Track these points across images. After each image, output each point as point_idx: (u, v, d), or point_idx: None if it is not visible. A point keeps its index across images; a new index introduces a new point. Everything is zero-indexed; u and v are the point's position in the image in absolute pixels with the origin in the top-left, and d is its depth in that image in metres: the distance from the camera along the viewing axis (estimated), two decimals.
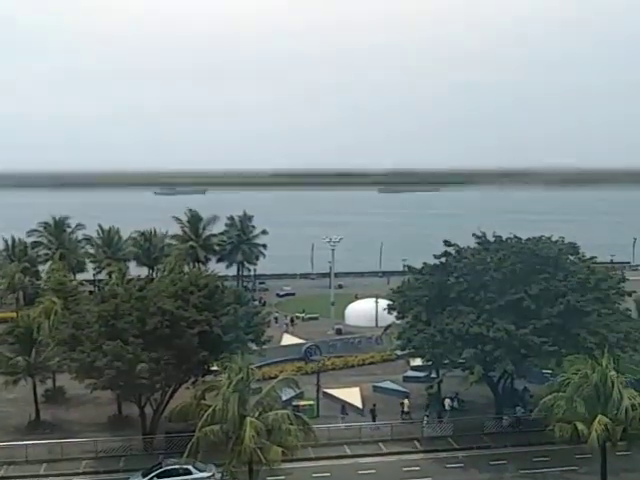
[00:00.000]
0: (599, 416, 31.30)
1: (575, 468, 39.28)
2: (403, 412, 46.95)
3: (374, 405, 47.09)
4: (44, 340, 46.56)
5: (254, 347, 47.19)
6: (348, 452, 42.39)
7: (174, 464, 37.97)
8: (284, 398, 37.05)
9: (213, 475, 37.49)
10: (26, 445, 41.35)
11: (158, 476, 37.13)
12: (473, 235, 50.83)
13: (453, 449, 42.95)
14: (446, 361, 45.63)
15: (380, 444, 43.32)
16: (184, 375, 42.92)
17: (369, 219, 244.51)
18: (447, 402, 47.56)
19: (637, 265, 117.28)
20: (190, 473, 37.28)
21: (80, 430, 45.35)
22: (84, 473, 39.82)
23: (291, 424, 30.24)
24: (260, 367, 48.32)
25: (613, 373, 32.66)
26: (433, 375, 49.05)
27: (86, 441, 42.37)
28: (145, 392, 42.16)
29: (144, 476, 37.39)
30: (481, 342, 42.91)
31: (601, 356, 34.80)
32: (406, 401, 47.46)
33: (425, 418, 45.95)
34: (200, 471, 37.27)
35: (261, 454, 29.04)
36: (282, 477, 36.66)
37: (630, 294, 48.92)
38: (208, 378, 41.08)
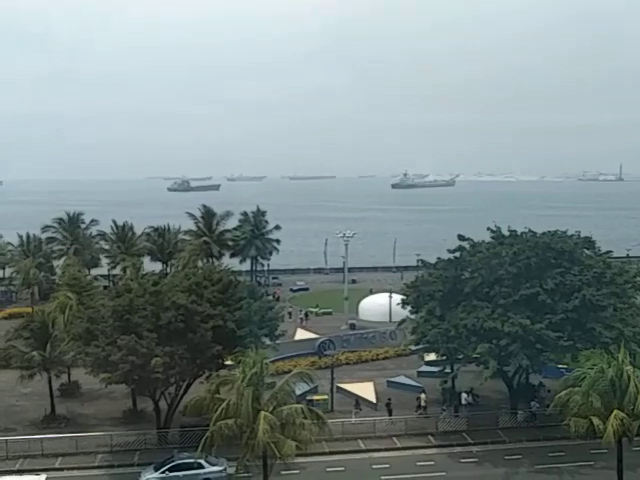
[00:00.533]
0: (615, 411, 31.01)
1: (591, 463, 39.05)
2: (420, 406, 46.83)
3: (389, 399, 47.01)
4: (59, 335, 46.80)
5: (268, 342, 47.21)
6: (362, 446, 42.33)
7: (186, 458, 38.08)
8: (298, 392, 37.02)
9: (225, 469, 37.56)
10: (42, 439, 41.63)
11: (170, 470, 37.23)
12: (488, 229, 50.64)
13: (467, 444, 42.79)
14: (460, 356, 45.48)
15: (394, 439, 43.23)
16: (198, 369, 43.04)
17: (383, 214, 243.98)
18: (464, 396, 47.37)
19: None
20: (202, 467, 37.37)
21: (95, 424, 45.62)
22: (99, 467, 40.01)
23: (305, 418, 30.20)
24: (274, 362, 48.34)
25: (629, 368, 32.33)
26: (447, 370, 48.85)
27: (101, 435, 42.61)
28: (159, 386, 42.30)
29: (156, 470, 37.53)
30: (496, 337, 42.69)
31: (617, 351, 34.50)
32: (423, 395, 47.33)
33: (442, 412, 45.81)
34: (212, 465, 37.36)
35: (275, 448, 29.03)
36: (296, 471, 36.69)
37: None
38: (222, 372, 41.06)
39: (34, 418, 46.47)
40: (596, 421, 31.04)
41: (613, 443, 31.54)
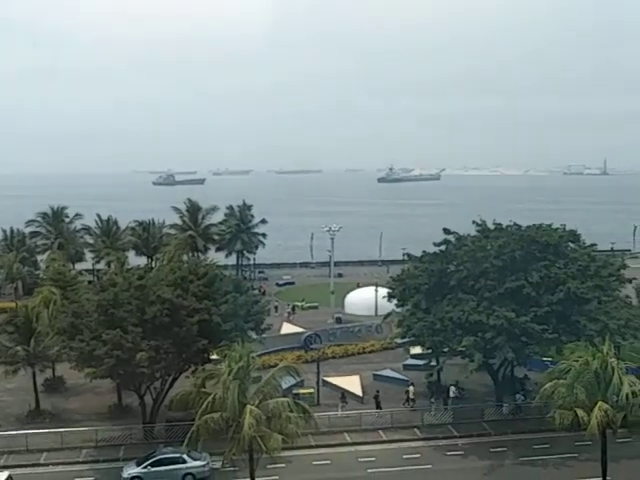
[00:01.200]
0: (599, 403, 31.18)
1: (575, 455, 39.31)
2: (408, 399, 46.95)
3: (377, 392, 47.10)
4: (43, 329, 46.48)
5: (254, 335, 47.12)
6: (348, 440, 42.38)
7: (168, 452, 38.02)
8: (284, 386, 37.00)
9: (208, 463, 37.51)
10: (26, 434, 41.34)
11: (152, 464, 37.09)
12: (473, 222, 50.81)
13: (453, 436, 42.95)
14: (446, 349, 45.65)
15: (380, 432, 43.32)
16: (184, 363, 42.87)
17: (369, 209, 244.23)
18: (452, 389, 47.51)
19: (637, 253, 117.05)
20: (184, 461, 37.28)
21: (80, 419, 45.35)
22: (84, 462, 39.79)
23: (291, 412, 30.18)
24: (260, 356, 48.25)
25: (614, 360, 32.52)
26: (433, 363, 49.07)
27: (86, 430, 42.35)
28: (145, 381, 42.10)
29: (138, 465, 37.37)
30: (481, 330, 42.86)
31: (601, 343, 34.72)
32: (411, 388, 47.43)
33: (431, 405, 45.97)
34: (194, 459, 37.29)
35: (261, 442, 29.00)
36: (282, 465, 36.65)
37: (630, 281, 48.91)
38: (208, 366, 40.93)
39: (18, 413, 46.15)
40: (581, 413, 31.21)
41: (597, 435, 31.71)
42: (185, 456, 37.28)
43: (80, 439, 41.55)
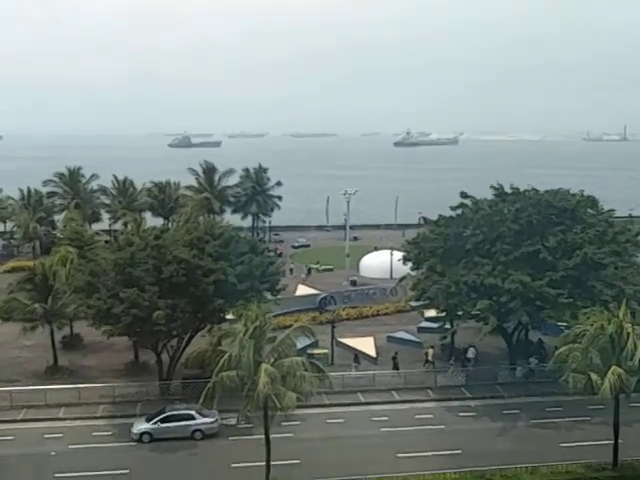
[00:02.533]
0: (613, 367, 31.16)
1: (588, 418, 39.49)
2: (427, 361, 47.25)
3: (396, 353, 47.43)
4: (61, 288, 47.02)
5: (269, 296, 47.39)
6: (362, 399, 42.84)
7: (177, 409, 38.59)
8: (299, 346, 37.18)
9: (216, 420, 38.08)
10: (45, 389, 42.10)
11: (162, 421, 37.68)
12: (490, 187, 50.49)
13: (466, 398, 43.27)
14: (460, 312, 45.72)
15: (393, 392, 43.71)
16: (200, 322, 43.33)
17: (385, 173, 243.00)
18: (471, 351, 47.64)
19: None
20: (193, 418, 37.85)
21: (97, 376, 46.09)
22: (102, 417, 40.53)
23: (306, 371, 30.43)
24: (275, 316, 48.51)
25: (629, 325, 32.43)
26: (447, 326, 49.19)
27: (103, 386, 43.09)
28: (161, 339, 42.62)
29: (148, 421, 37.98)
30: (496, 293, 42.86)
31: (617, 309, 34.63)
32: (430, 350, 47.65)
33: (450, 367, 46.24)
34: (203, 416, 37.82)
35: (276, 399, 29.31)
36: (296, 422, 37.14)
37: None
38: (224, 326, 41.34)
39: (37, 369, 46.96)
40: (594, 377, 31.21)
41: (610, 399, 31.79)
42: (194, 413, 37.86)
43: (97, 395, 42.28)
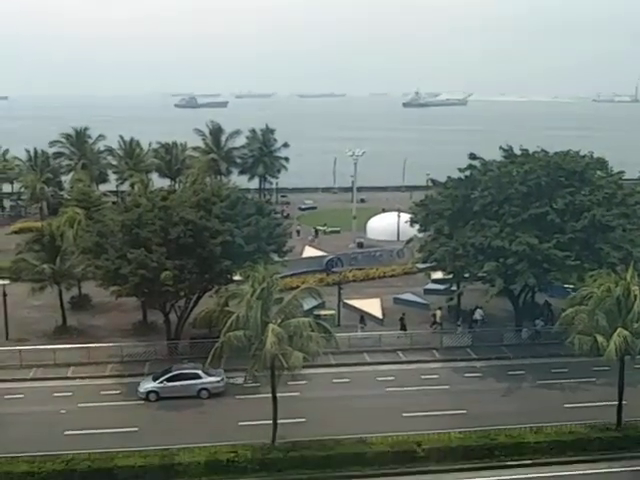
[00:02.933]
0: (619, 329, 31.20)
1: (593, 380, 39.75)
2: (435, 322, 47.47)
3: (403, 314, 47.68)
4: (69, 248, 47.26)
5: (276, 258, 47.50)
6: (368, 359, 43.20)
7: (184, 368, 39.01)
8: (306, 307, 37.40)
9: (222, 379, 38.49)
10: (54, 349, 42.56)
11: (168, 380, 38.11)
12: (500, 148, 50.09)
13: (472, 359, 43.59)
14: (467, 274, 45.76)
15: (399, 352, 44.05)
16: (207, 283, 43.54)
17: (393, 134, 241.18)
18: (478, 312, 47.81)
19: None
20: (199, 377, 38.27)
21: (106, 336, 46.54)
22: (110, 376, 41.02)
23: (312, 331, 30.62)
24: (282, 278, 48.65)
25: (636, 287, 32.36)
26: (453, 288, 49.26)
27: (112, 346, 43.52)
28: (169, 299, 42.90)
29: (155, 380, 38.43)
30: (503, 255, 42.81)
31: (624, 271, 34.55)
32: (438, 312, 47.86)
33: (457, 328, 46.39)
34: (209, 375, 38.23)
35: (283, 359, 29.56)
36: (303, 382, 37.49)
37: None
38: (231, 287, 41.51)
39: (46, 329, 47.43)
40: (600, 339, 31.28)
41: (615, 360, 31.88)
42: (200, 372, 38.27)
43: (106, 354, 42.73)
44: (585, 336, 32.11)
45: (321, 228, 78.91)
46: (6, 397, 38.18)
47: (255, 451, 31.16)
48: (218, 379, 38.43)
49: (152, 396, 37.85)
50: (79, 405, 37.19)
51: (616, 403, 33.65)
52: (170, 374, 38.47)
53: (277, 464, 30.77)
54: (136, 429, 34.51)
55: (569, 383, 39.90)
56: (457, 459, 31.52)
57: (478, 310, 47.79)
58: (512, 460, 31.64)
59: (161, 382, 38.14)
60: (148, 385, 38.25)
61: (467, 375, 41.41)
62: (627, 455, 32.26)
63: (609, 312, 32.16)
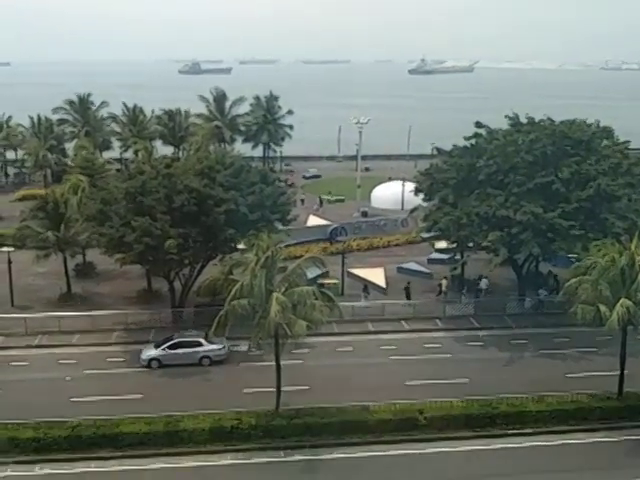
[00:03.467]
0: (622, 299, 31.18)
1: (595, 349, 39.90)
2: (441, 292, 47.54)
3: (408, 283, 47.75)
4: (73, 216, 47.26)
5: (280, 226, 47.46)
6: (371, 328, 43.39)
7: (186, 336, 39.27)
8: (310, 276, 37.49)
9: (224, 347, 38.76)
10: (59, 316, 42.80)
11: (170, 347, 38.37)
12: (505, 117, 49.65)
13: (474, 328, 43.73)
14: (471, 244, 45.71)
15: (402, 321, 44.22)
16: (212, 252, 43.60)
17: (398, 101, 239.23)
18: (484, 281, 47.84)
19: None
20: (201, 345, 38.53)
21: (110, 303, 46.72)
22: (115, 343, 41.31)
23: (316, 300, 30.69)
24: (286, 247, 48.76)
25: None
26: (457, 257, 49.26)
27: (117, 313, 43.74)
28: (174, 267, 42.99)
29: (157, 347, 38.70)
30: (507, 225, 42.71)
31: (629, 241, 34.43)
32: (444, 281, 47.91)
33: (463, 297, 46.53)
34: (211, 343, 38.47)
35: (286, 327, 29.68)
36: (306, 350, 37.74)
37: None
38: (235, 255, 41.57)
39: (50, 297, 47.65)
40: (603, 308, 31.28)
41: (617, 330, 31.93)
42: (202, 340, 38.54)
43: (111, 322, 42.97)
44: (588, 306, 32.12)
45: (325, 197, 78.71)
46: (12, 364, 38.54)
47: (259, 418, 31.47)
48: (220, 347, 38.67)
49: (154, 363, 38.16)
50: (84, 372, 37.54)
51: (618, 373, 33.78)
52: (172, 342, 38.72)
53: (280, 431, 31.08)
54: (141, 396, 34.84)
55: (571, 353, 40.06)
56: (459, 427, 31.79)
57: (483, 279, 47.80)
58: (513, 429, 31.90)
59: (163, 350, 38.41)
60: (150, 352, 38.51)
61: (470, 344, 41.59)
62: (628, 424, 32.48)
63: (613, 282, 32.14)
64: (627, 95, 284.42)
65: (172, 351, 38.32)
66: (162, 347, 38.53)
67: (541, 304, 45.92)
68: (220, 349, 38.73)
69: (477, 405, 32.77)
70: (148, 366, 38.14)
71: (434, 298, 47.11)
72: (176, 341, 38.76)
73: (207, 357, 38.52)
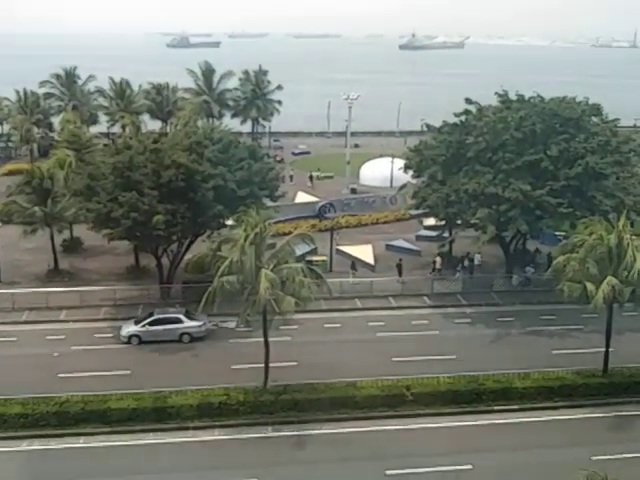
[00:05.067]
0: (608, 277, 31.32)
1: (581, 327, 40.21)
2: (435, 269, 47.71)
3: (400, 260, 47.85)
4: (59, 191, 46.88)
5: (269, 203, 47.30)
6: (359, 305, 43.54)
7: (166, 312, 39.20)
8: (298, 253, 37.41)
9: (204, 324, 38.77)
10: (47, 292, 42.65)
11: (150, 324, 38.29)
12: (495, 94, 49.47)
13: (462, 305, 43.97)
14: (459, 221, 45.81)
15: (390, 298, 44.37)
16: (200, 228, 43.43)
17: (388, 77, 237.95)
18: (477, 257, 47.97)
19: None
20: (181, 321, 38.51)
21: (98, 279, 46.64)
22: (103, 319, 41.23)
23: (305, 276, 30.68)
24: (275, 223, 48.63)
25: (628, 235, 32.36)
26: (445, 235, 49.35)
27: (105, 289, 43.62)
28: (161, 243, 42.82)
29: (137, 323, 38.61)
30: (496, 202, 42.77)
31: (616, 219, 34.53)
32: (438, 258, 48.09)
33: (457, 274, 46.73)
34: (191, 320, 38.51)
35: (275, 304, 29.69)
36: (295, 326, 37.84)
37: None
38: (224, 231, 41.48)
39: (38, 272, 47.45)
40: (590, 286, 31.42)
41: (603, 307, 32.13)
42: (182, 316, 38.58)
43: (99, 298, 42.87)
44: (575, 283, 32.29)
45: (315, 174, 78.42)
46: None
47: (247, 394, 31.60)
48: (199, 324, 38.65)
49: (134, 340, 38.09)
50: (72, 348, 37.48)
51: (603, 350, 34.10)
52: (152, 318, 38.61)
53: (268, 407, 31.23)
54: (129, 372, 34.85)
55: (557, 330, 40.38)
56: (445, 403, 32.04)
57: (477, 255, 47.99)
58: (499, 405, 32.18)
59: (143, 326, 38.28)
60: (130, 329, 38.40)
61: (457, 321, 41.84)
62: (612, 401, 32.85)
63: (600, 260, 32.30)
64: (615, 72, 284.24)
65: (152, 327, 38.20)
66: (142, 323, 38.41)
67: (528, 281, 46.18)
68: (200, 326, 38.70)
69: (464, 381, 33.02)
70: (128, 342, 38.09)
71: (428, 275, 47.19)
72: (156, 317, 38.63)
73: (187, 334, 38.46)
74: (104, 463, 28.24)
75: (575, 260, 32.54)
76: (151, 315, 38.98)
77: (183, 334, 38.44)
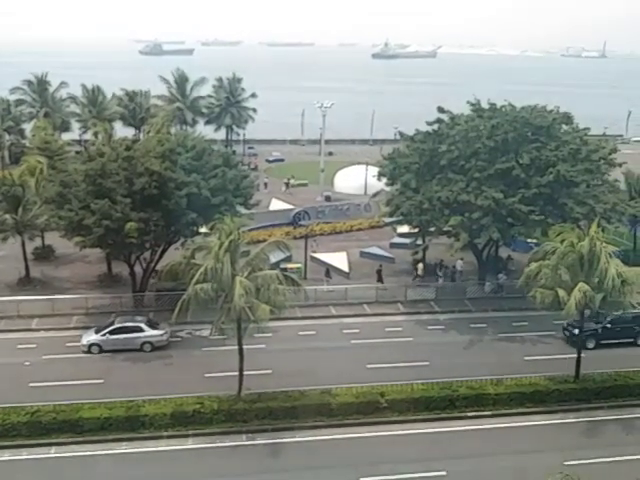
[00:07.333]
0: (580, 284, 31.66)
1: (553, 333, 40.69)
2: (417, 276, 47.99)
3: (380, 266, 48.18)
4: (31, 198, 46.34)
5: (243, 210, 47.19)
6: (334, 312, 43.56)
7: (127, 321, 38.79)
8: (273, 260, 37.40)
9: (166, 332, 38.52)
10: (18, 300, 42.07)
11: (111, 333, 37.88)
12: (467, 102, 49.92)
13: (435, 312, 44.21)
14: (433, 228, 46.10)
15: (365, 305, 44.49)
16: (173, 235, 43.19)
17: (362, 86, 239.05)
18: (459, 263, 48.37)
19: (629, 138, 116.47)
20: (142, 330, 38.17)
21: (70, 287, 46.11)
22: (75, 327, 40.70)
23: (280, 284, 30.64)
24: (249, 231, 48.57)
25: (599, 242, 32.73)
26: (419, 242, 49.65)
27: (77, 297, 43.15)
28: (134, 251, 42.50)
29: (97, 332, 38.19)
30: (468, 210, 43.13)
31: (587, 226, 34.95)
32: (420, 265, 48.49)
33: (439, 280, 47.02)
34: (153, 329, 38.24)
35: (249, 312, 29.58)
36: (269, 334, 37.70)
37: (620, 165, 48.70)
38: (197, 239, 41.26)
39: (9, 281, 46.77)
40: (562, 293, 31.76)
41: (574, 314, 32.48)
42: (143, 325, 38.26)
43: (71, 306, 42.38)
44: (547, 290, 32.62)
45: (290, 181, 78.41)
46: None
47: (221, 402, 31.43)
48: (161, 332, 38.39)
49: (94, 349, 37.63)
50: (44, 357, 37.00)
51: (575, 356, 34.49)
52: (113, 327, 38.19)
53: (243, 415, 31.10)
54: (101, 381, 34.50)
55: (529, 336, 40.77)
56: (419, 410, 32.14)
57: (458, 261, 48.39)
58: (473, 411, 32.38)
59: (103, 335, 37.85)
60: (90, 337, 37.96)
61: (430, 328, 42.06)
62: (584, 407, 33.19)
63: (571, 267, 32.65)
64: (585, 82, 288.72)
65: (113, 336, 37.75)
66: (102, 332, 37.95)
67: (500, 288, 46.61)
68: (162, 335, 38.40)
69: (437, 388, 33.16)
70: (88, 351, 37.63)
71: (411, 282, 47.41)
72: (117, 326, 38.20)
73: (149, 343, 38.09)
74: (76, 473, 27.88)
75: (547, 267, 32.88)
76: (112, 324, 38.57)
77: (144, 343, 38.04)
